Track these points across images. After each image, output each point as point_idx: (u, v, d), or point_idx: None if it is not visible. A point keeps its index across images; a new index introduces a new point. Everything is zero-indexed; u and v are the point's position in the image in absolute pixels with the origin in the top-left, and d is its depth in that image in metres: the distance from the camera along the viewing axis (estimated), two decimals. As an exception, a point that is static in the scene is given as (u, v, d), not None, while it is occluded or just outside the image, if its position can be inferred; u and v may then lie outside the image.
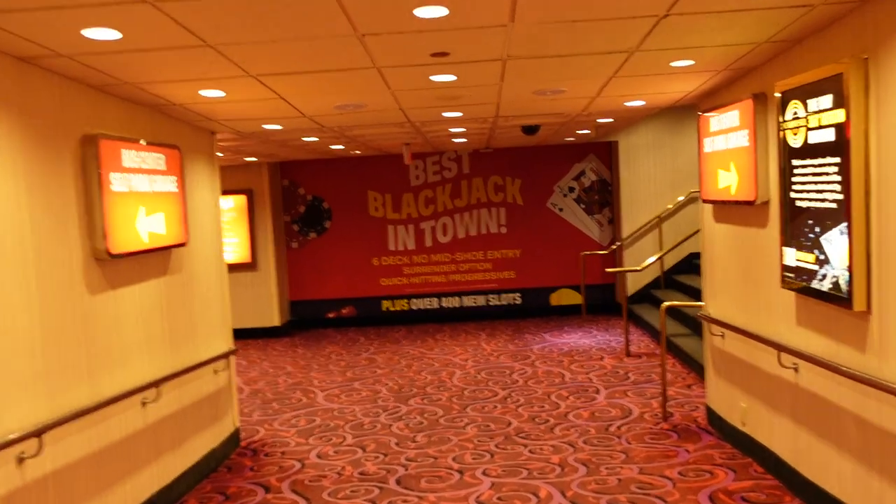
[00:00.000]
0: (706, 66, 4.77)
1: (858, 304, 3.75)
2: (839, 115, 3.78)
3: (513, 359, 9.47)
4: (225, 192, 11.69)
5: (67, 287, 4.06)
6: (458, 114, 6.23)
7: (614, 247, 12.02)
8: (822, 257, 4.08)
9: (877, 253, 3.64)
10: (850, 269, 3.78)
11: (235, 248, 11.78)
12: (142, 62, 3.87)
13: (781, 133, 4.48)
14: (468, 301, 12.46)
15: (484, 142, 10.06)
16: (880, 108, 3.53)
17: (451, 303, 12.49)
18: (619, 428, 6.48)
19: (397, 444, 6.41)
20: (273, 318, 11.94)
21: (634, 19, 3.56)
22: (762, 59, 4.69)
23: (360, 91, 4.99)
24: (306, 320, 12.53)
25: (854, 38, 3.75)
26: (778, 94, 4.46)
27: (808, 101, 4.13)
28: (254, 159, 10.62)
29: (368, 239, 12.42)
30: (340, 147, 9.21)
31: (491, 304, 12.46)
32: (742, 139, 5.11)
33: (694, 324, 8.96)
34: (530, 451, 6.00)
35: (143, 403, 4.88)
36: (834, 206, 3.92)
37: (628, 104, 6.20)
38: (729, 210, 5.69)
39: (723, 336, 6.01)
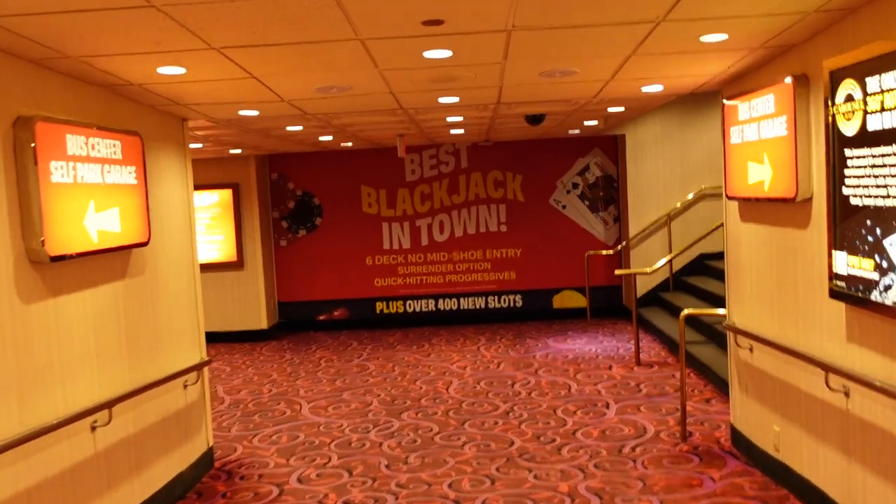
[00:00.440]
0: (741, 41, 4.13)
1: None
2: (913, 95, 3.16)
3: (514, 367, 8.84)
4: (209, 187, 11.09)
5: (-9, 296, 3.43)
6: (456, 99, 5.60)
7: (620, 247, 11.40)
8: (884, 264, 3.45)
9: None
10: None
11: (220, 245, 11.14)
12: (79, 28, 3.23)
13: (830, 119, 3.85)
14: (466, 303, 11.83)
15: (483, 134, 9.43)
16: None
17: (448, 305, 11.86)
18: (633, 449, 5.86)
19: (388, 466, 5.79)
20: (260, 321, 11.31)
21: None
22: (806, 34, 4.06)
23: (344, 70, 4.36)
24: (295, 323, 11.89)
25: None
26: (826, 74, 3.83)
27: (867, 81, 3.50)
28: (238, 151, 9.97)
29: (361, 237, 11.78)
30: (329, 138, 8.58)
31: (490, 306, 11.83)
32: (779, 128, 4.48)
33: (710, 331, 8.33)
34: (535, 477, 5.37)
35: (93, 427, 4.24)
36: (903, 203, 3.29)
37: (645, 89, 5.57)
38: (760, 208, 5.06)
39: (751, 349, 5.38)
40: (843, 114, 3.73)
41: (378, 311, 11.89)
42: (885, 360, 3.59)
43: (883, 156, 3.41)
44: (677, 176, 10.95)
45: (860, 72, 3.55)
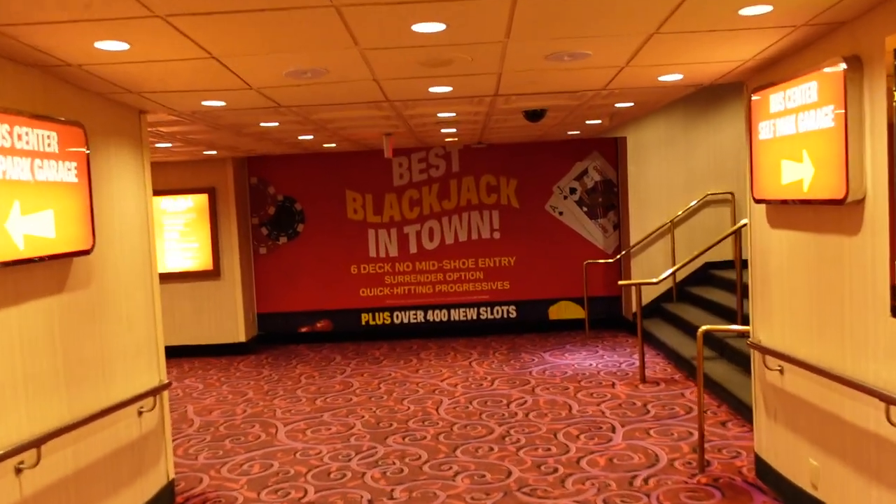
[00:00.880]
0: (785, 16, 3.53)
1: None
2: None
3: (509, 384, 8.19)
4: (184, 191, 10.41)
5: None
6: (449, 88, 4.96)
7: (620, 255, 10.79)
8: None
9: None
10: None
11: (195, 253, 10.45)
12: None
13: (895, 107, 3.24)
14: (457, 314, 11.18)
15: (477, 134, 8.80)
16: None
17: (438, 316, 11.20)
18: (646, 481, 5.22)
19: (370, 501, 5.13)
20: (238, 334, 10.61)
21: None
22: (859, 8, 3.46)
23: (317, 49, 3.72)
24: (276, 335, 11.19)
25: None
26: (891, 54, 3.23)
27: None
28: (214, 153, 9.30)
29: (346, 244, 11.11)
30: (310, 137, 7.92)
31: (483, 317, 11.17)
32: (824, 119, 3.87)
33: (721, 346, 7.72)
34: (538, 518, 4.73)
35: (18, 470, 3.57)
36: None
37: (662, 79, 4.95)
38: (796, 212, 4.45)
39: (780, 371, 4.77)
40: (912, 99, 3.12)
41: (364, 323, 11.22)
42: (969, 393, 2.97)
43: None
44: (681, 181, 10.37)
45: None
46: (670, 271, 8.18)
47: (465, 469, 5.67)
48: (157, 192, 10.32)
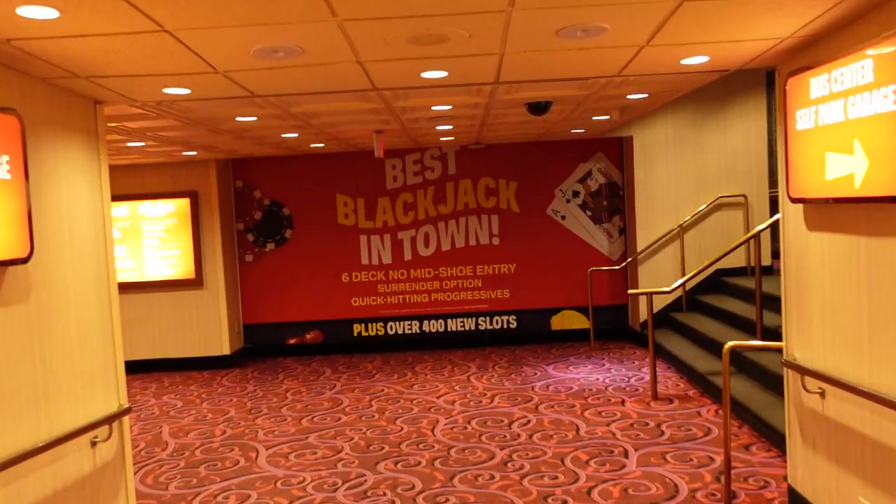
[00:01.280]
0: (842, -22, 2.96)
1: None
2: None
3: (510, 401, 7.60)
4: (163, 195, 9.82)
5: None
6: (444, 73, 4.38)
7: (626, 262, 10.21)
8: None
9: None
10: None
11: (176, 260, 9.85)
12: None
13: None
14: (454, 325, 10.58)
15: (475, 133, 8.23)
16: None
17: (434, 326, 10.61)
18: (667, 518, 4.64)
19: (356, 542, 4.54)
20: (222, 346, 10.01)
21: None
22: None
23: (287, 19, 3.14)
24: (263, 348, 10.59)
25: None
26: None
27: None
28: (193, 153, 8.72)
29: (337, 251, 10.52)
30: (294, 135, 7.34)
31: (481, 328, 10.58)
32: (883, 102, 3.30)
33: (740, 360, 7.14)
34: (548, 565, 4.13)
35: (-73, 522, 2.98)
36: None
37: (686, 62, 4.38)
38: (842, 212, 3.88)
39: (822, 394, 4.19)
40: None
41: (355, 334, 10.62)
42: None
43: None
44: (691, 183, 9.81)
45: None
46: (683, 279, 7.59)
47: (464, 501, 5.08)
48: (135, 197, 9.80)
